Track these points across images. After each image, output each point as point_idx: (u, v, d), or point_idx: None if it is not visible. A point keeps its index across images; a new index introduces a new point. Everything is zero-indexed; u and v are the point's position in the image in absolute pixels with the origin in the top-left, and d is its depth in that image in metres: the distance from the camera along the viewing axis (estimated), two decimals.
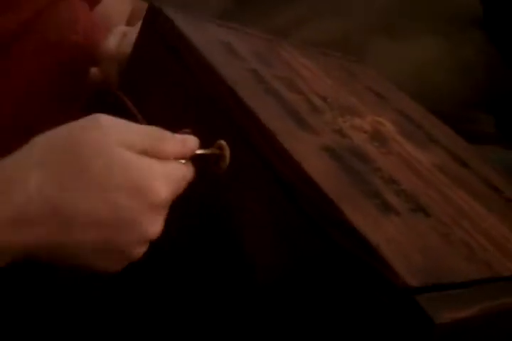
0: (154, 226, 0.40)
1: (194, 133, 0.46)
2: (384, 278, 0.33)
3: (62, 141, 0.39)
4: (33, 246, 0.37)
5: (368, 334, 0.34)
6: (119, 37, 0.65)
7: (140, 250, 0.41)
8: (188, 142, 0.44)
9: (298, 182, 0.40)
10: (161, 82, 0.57)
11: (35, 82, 0.60)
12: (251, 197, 0.44)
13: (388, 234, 0.36)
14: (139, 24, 0.61)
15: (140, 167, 0.39)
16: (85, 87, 0.69)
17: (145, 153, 0.40)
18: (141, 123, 0.50)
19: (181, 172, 0.42)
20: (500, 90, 1.37)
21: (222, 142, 0.47)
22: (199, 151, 0.45)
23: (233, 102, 0.46)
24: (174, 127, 0.45)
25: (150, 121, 0.50)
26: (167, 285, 0.51)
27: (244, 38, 0.65)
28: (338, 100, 0.60)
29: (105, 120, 0.40)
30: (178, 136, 0.43)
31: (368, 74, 0.79)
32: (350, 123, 0.54)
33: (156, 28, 0.59)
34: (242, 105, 0.46)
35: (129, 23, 0.82)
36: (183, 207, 0.42)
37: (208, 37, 0.57)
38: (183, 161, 0.44)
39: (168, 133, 0.42)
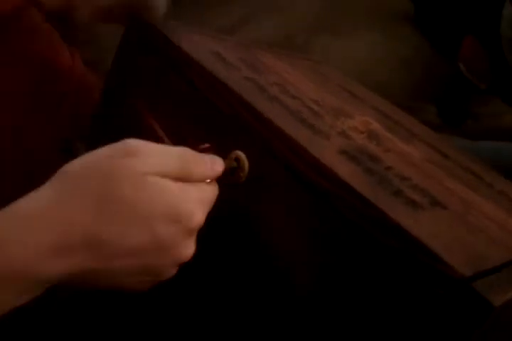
0: (189, 249, 0.42)
1: (212, 147, 0.47)
2: (438, 271, 0.35)
3: (97, 171, 0.39)
4: (69, 274, 0.38)
5: (428, 327, 0.36)
6: None
7: (172, 272, 0.43)
8: (217, 164, 0.45)
9: (333, 188, 0.42)
10: (157, 95, 0.58)
11: (9, 92, 0.60)
12: (277, 206, 0.46)
13: (427, 229, 0.39)
14: None
15: (177, 193, 0.40)
16: (61, 96, 0.69)
17: (179, 178, 0.41)
18: (167, 144, 0.51)
19: (212, 194, 0.44)
20: (438, 81, 1.44)
21: (239, 152, 0.48)
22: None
23: (249, 114, 0.48)
24: (186, 142, 0.46)
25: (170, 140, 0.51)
26: (196, 295, 0.52)
27: (227, 46, 0.66)
28: (326, 102, 0.62)
29: (139, 146, 0.40)
30: (207, 158, 0.44)
31: (335, 74, 0.82)
32: (347, 125, 0.56)
33: (142, 39, 0.60)
34: (259, 116, 0.47)
35: None
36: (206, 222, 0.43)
37: (201, 48, 0.58)
38: (209, 180, 0.45)
39: (198, 156, 0.44)
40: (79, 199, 0.38)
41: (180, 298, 0.52)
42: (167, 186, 0.40)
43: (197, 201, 0.41)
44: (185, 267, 0.43)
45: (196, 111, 0.53)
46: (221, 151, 0.47)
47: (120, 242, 0.38)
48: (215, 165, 0.44)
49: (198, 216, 0.41)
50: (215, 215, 0.43)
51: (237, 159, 0.48)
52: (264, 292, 0.46)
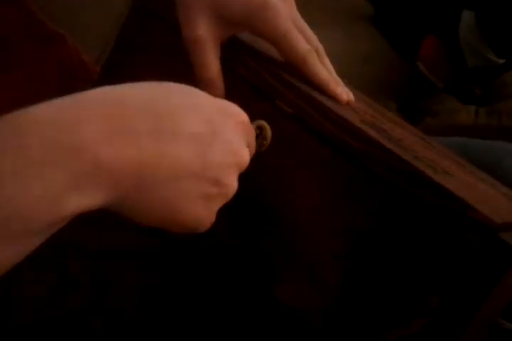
0: (243, 147, 0.42)
1: None
2: (473, 220, 0.40)
3: (147, 83, 0.39)
4: (129, 163, 0.35)
5: (461, 271, 0.41)
6: None
7: (232, 178, 0.41)
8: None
9: (368, 148, 0.46)
10: (167, 65, 0.58)
11: (33, 79, 0.60)
12: (303, 171, 0.48)
13: (454, 185, 0.43)
14: None
15: (224, 101, 0.42)
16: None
17: None
18: None
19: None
20: (398, 78, 1.49)
21: (262, 121, 0.49)
22: None
23: (276, 81, 0.50)
24: None
25: None
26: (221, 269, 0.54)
27: None
28: None
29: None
30: None
31: None
32: (350, 106, 0.60)
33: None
34: (288, 83, 0.50)
35: None
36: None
37: None
38: None
39: None
40: (139, 89, 0.38)
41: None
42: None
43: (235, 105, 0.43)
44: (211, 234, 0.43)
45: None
46: None
47: (180, 125, 0.37)
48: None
49: (242, 114, 0.42)
50: (239, 185, 0.44)
51: (260, 128, 0.49)
52: (289, 257, 0.49)
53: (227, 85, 0.52)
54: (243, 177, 0.43)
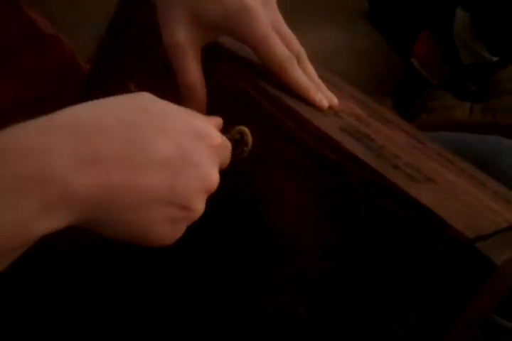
0: (212, 171, 0.42)
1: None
2: (444, 235, 0.40)
3: (124, 99, 0.40)
4: (97, 190, 0.36)
5: (436, 286, 0.41)
6: None
7: (201, 203, 0.41)
8: (215, 118, 0.47)
9: (342, 160, 0.45)
10: (152, 68, 0.58)
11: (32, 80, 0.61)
12: (282, 179, 0.48)
13: (429, 199, 0.43)
14: None
15: (196, 117, 0.43)
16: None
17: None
18: None
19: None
20: (394, 75, 1.49)
21: (242, 127, 0.50)
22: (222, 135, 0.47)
23: (253, 90, 0.50)
24: None
25: None
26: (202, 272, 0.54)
27: None
28: None
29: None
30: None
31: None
32: (336, 108, 0.60)
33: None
34: (265, 92, 0.50)
35: None
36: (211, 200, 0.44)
37: None
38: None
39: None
40: (109, 111, 0.38)
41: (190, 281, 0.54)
42: (184, 110, 0.42)
43: (210, 125, 0.43)
44: (192, 243, 0.44)
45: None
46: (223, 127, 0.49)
47: (147, 148, 0.38)
48: (213, 118, 0.47)
49: (217, 137, 0.43)
50: (219, 192, 0.45)
51: (241, 133, 0.50)
52: (273, 265, 0.49)
53: (208, 91, 0.52)
54: (225, 185, 0.43)
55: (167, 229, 0.40)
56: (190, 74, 0.51)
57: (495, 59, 1.43)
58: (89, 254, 0.59)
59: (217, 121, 0.47)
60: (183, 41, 0.51)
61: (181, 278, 0.54)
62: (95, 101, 0.39)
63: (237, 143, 0.50)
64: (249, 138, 0.50)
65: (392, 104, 1.44)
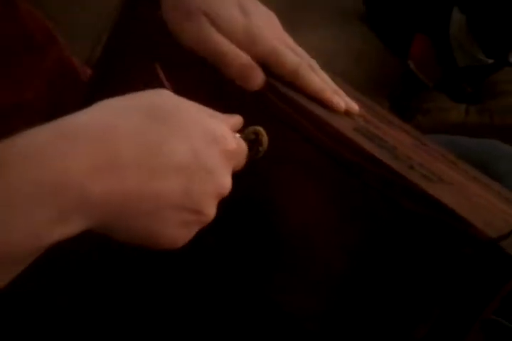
0: (225, 176, 0.42)
1: None
2: (467, 234, 0.40)
3: (141, 99, 0.40)
4: (113, 197, 0.35)
5: (460, 286, 0.41)
6: None
7: (213, 207, 0.41)
8: (234, 117, 0.47)
9: (362, 161, 0.45)
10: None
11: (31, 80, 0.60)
12: (298, 179, 0.48)
13: (448, 198, 0.43)
14: None
15: (212, 121, 0.42)
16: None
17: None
18: None
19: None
20: (391, 77, 1.50)
21: (258, 127, 0.49)
22: (237, 135, 0.47)
23: (270, 91, 0.50)
24: None
25: None
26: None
27: None
28: None
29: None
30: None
31: None
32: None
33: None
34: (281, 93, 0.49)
35: None
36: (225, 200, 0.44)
37: None
38: None
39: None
40: (126, 114, 0.38)
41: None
42: (201, 110, 0.42)
43: (230, 131, 0.43)
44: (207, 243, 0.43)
45: (214, 89, 0.54)
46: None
47: (162, 153, 0.37)
48: (232, 117, 0.46)
49: (232, 142, 0.42)
50: (234, 193, 0.44)
51: (256, 133, 0.49)
52: (289, 266, 0.49)
53: (224, 92, 0.52)
54: (240, 186, 0.43)
55: (179, 232, 0.41)
56: (242, 56, 0.51)
57: (490, 61, 1.43)
58: (100, 257, 0.58)
59: (237, 119, 0.47)
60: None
61: (195, 281, 0.54)
62: (110, 103, 0.38)
63: (253, 143, 0.49)
64: (265, 138, 0.49)
65: (388, 105, 1.44)
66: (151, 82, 0.53)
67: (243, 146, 0.45)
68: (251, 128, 0.49)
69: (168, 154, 0.38)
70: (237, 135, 0.46)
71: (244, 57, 0.51)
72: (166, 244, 0.41)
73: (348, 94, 0.74)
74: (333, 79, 0.80)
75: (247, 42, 0.51)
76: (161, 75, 0.53)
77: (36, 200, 0.33)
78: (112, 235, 0.39)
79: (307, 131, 0.48)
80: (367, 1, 1.56)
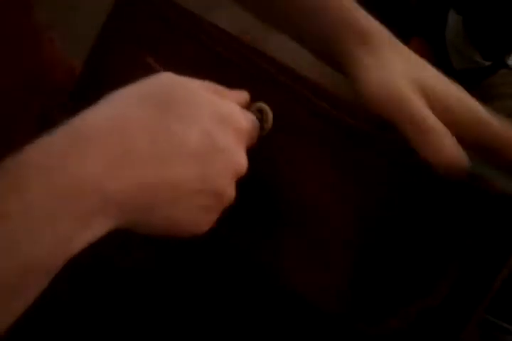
0: (240, 154, 0.41)
1: None
2: (488, 193, 0.43)
3: (148, 86, 0.40)
4: (133, 192, 0.36)
5: (477, 243, 0.43)
6: None
7: (231, 188, 0.41)
8: (240, 93, 0.47)
9: (372, 130, 0.46)
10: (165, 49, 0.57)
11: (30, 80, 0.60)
12: (307, 152, 0.48)
13: None
14: None
15: (221, 101, 0.42)
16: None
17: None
18: None
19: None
20: None
21: (262, 104, 0.48)
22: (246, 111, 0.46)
23: (270, 65, 0.50)
24: None
25: None
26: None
27: None
28: None
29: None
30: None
31: None
32: None
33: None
34: (281, 66, 0.49)
35: None
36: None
37: None
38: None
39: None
40: (132, 106, 0.38)
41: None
42: (209, 89, 0.42)
43: (240, 109, 0.43)
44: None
45: (212, 68, 0.53)
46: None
47: (177, 142, 0.37)
48: (241, 93, 0.46)
49: (243, 120, 0.42)
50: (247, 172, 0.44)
51: (260, 111, 0.48)
52: (300, 242, 0.49)
53: (226, 71, 0.51)
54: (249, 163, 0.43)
55: (202, 217, 0.41)
56: (429, 118, 0.45)
57: (487, 63, 1.44)
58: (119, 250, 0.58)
59: (244, 95, 0.47)
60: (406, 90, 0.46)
61: (203, 264, 0.54)
62: (118, 96, 0.38)
63: (258, 121, 0.48)
64: (270, 115, 0.48)
65: None
66: (145, 72, 0.53)
67: (254, 122, 0.45)
68: (255, 105, 0.48)
69: (179, 140, 0.38)
70: (248, 114, 0.45)
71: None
72: (190, 230, 0.41)
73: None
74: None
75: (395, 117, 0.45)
76: (154, 65, 0.53)
77: (59, 210, 0.33)
78: (135, 229, 0.39)
79: (313, 103, 0.48)
80: (365, 4, 1.56)
